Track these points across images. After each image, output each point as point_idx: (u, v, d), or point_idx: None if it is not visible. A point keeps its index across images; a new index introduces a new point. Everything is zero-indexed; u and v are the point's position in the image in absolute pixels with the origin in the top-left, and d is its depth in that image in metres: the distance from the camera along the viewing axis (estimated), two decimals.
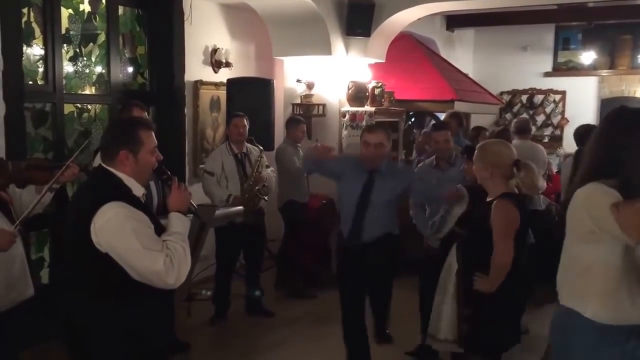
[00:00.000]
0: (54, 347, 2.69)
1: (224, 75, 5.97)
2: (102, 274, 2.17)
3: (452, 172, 4.17)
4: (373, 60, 6.61)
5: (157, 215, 2.46)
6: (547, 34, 9.96)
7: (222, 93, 5.87)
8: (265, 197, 4.87)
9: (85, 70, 5.00)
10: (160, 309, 2.33)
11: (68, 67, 4.82)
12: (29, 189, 2.86)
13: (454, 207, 3.79)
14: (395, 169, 3.74)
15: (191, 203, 2.42)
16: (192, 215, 2.46)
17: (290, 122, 5.65)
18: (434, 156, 4.37)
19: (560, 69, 10.10)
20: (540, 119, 10.20)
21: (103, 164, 2.29)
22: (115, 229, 2.11)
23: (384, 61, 6.72)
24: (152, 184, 3.66)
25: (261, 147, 4.93)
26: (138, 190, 2.28)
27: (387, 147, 3.59)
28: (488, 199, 2.92)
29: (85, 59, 4.98)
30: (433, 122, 8.16)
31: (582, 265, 2.14)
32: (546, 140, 10.05)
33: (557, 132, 10.11)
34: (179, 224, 2.27)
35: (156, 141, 2.33)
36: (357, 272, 3.62)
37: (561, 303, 2.21)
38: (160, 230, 2.25)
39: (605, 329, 2.08)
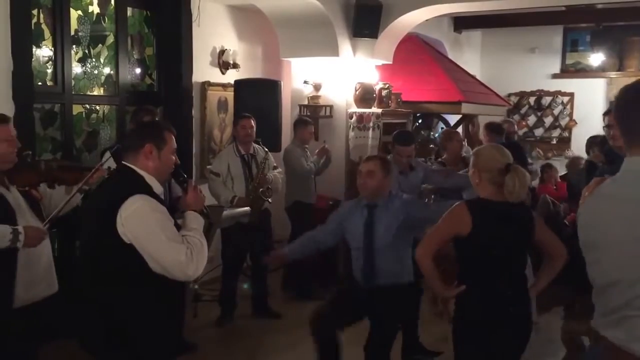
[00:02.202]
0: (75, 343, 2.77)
1: (231, 76, 5.98)
2: (123, 265, 2.26)
3: (414, 175, 4.21)
4: (380, 62, 6.61)
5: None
6: (555, 36, 9.92)
7: (230, 94, 5.88)
8: (269, 200, 4.87)
9: (93, 71, 5.02)
10: (172, 305, 2.43)
11: (77, 68, 4.84)
12: (59, 190, 2.97)
13: None
14: (394, 200, 3.43)
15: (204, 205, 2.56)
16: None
17: (298, 123, 5.66)
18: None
19: (569, 71, 10.05)
20: (548, 120, 10.16)
21: (125, 162, 2.40)
22: (141, 220, 2.22)
23: (391, 62, 6.72)
24: None
25: (267, 149, 4.93)
26: (157, 188, 2.40)
27: (380, 176, 3.35)
28: None
29: (94, 60, 5.00)
30: (442, 124, 8.18)
31: None
32: (554, 142, 10.02)
33: (565, 134, 10.07)
34: (195, 221, 2.42)
35: (176, 145, 2.47)
36: (359, 301, 3.44)
37: None
38: (177, 228, 2.36)
39: None
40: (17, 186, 2.78)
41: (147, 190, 2.31)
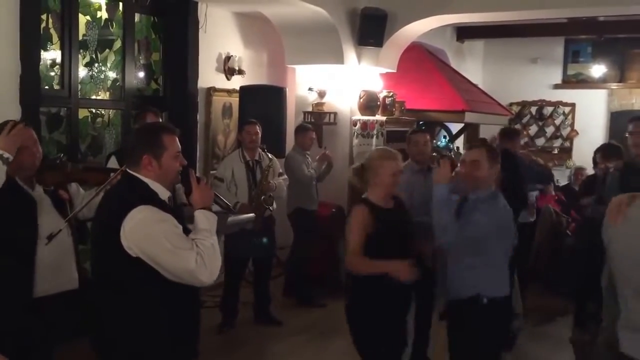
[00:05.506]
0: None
1: (236, 82, 6.00)
2: (131, 278, 2.18)
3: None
4: (384, 70, 6.64)
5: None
6: (556, 47, 9.97)
7: (235, 100, 5.91)
8: (270, 208, 4.85)
9: (100, 76, 5.04)
10: (187, 315, 2.35)
11: (83, 73, 4.86)
12: (91, 191, 3.02)
13: None
14: (499, 199, 3.06)
15: (222, 199, 2.49)
16: (221, 210, 2.51)
17: (299, 130, 5.68)
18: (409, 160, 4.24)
19: (570, 82, 10.09)
20: (550, 130, 10.19)
21: (128, 169, 2.29)
22: (144, 232, 2.12)
23: (395, 71, 6.75)
24: None
25: (272, 157, 4.94)
26: (163, 193, 2.28)
27: (485, 166, 2.97)
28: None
29: (100, 64, 5.02)
30: (443, 132, 8.21)
31: None
32: (555, 152, 10.05)
33: (567, 144, 10.10)
34: (204, 220, 2.26)
35: (180, 146, 2.32)
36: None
37: None
38: (187, 232, 2.25)
39: None
40: (43, 186, 2.85)
41: (152, 198, 2.21)
